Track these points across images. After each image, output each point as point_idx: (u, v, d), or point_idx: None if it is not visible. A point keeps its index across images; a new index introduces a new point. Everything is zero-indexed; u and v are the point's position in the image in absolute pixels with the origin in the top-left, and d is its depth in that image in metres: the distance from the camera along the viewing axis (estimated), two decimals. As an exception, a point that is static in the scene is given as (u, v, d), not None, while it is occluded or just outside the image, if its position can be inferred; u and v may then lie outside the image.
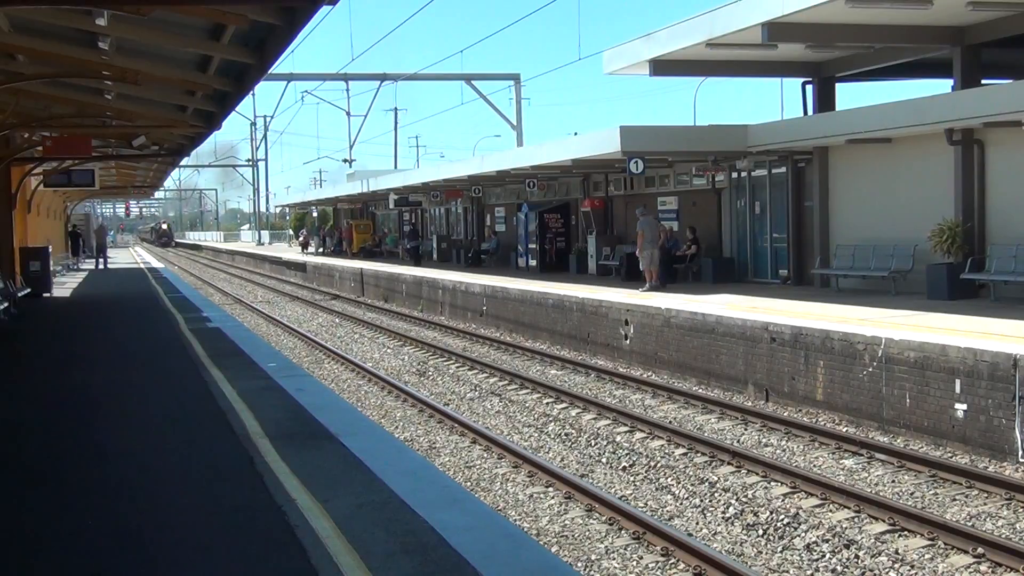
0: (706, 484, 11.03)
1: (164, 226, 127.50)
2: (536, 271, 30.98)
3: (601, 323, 20.26)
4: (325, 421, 9.11)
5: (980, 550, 8.50)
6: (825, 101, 23.36)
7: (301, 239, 63.02)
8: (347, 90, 67.11)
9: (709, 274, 23.82)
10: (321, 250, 57.43)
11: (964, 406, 11.86)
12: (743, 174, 23.77)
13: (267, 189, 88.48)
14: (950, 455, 11.77)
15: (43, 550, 5.87)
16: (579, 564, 8.67)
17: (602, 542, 9.17)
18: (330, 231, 58.88)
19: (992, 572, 8.29)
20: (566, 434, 13.80)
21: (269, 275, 55.96)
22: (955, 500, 10.14)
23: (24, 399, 11.14)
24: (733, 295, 20.00)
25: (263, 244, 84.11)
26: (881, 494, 10.32)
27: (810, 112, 23.46)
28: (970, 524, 9.36)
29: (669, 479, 11.37)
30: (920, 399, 12.51)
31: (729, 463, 11.62)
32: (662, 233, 22.61)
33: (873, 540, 9.04)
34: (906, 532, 9.13)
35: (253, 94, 65.64)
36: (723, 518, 9.98)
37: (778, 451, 12.38)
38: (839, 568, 8.53)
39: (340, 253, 52.18)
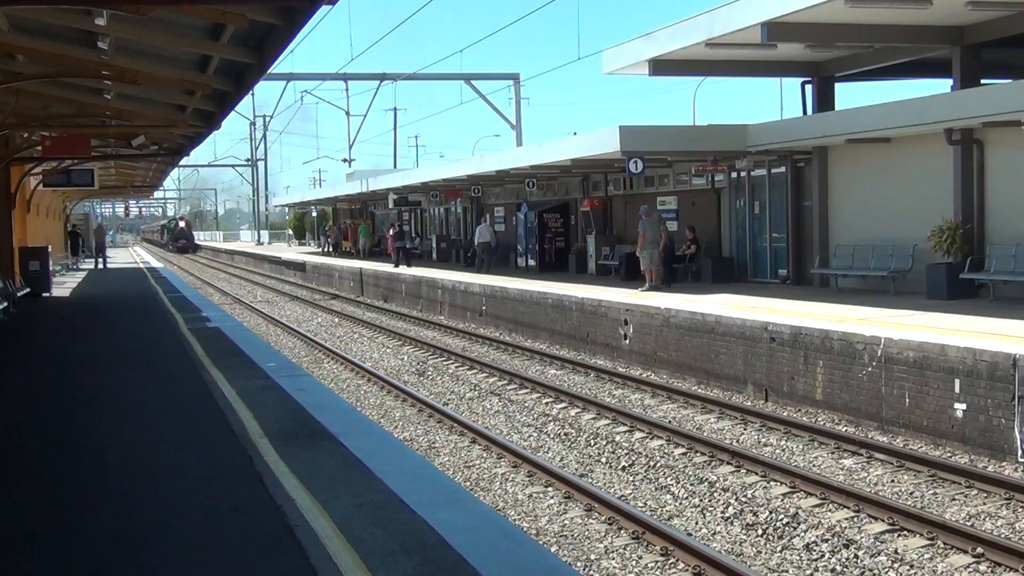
0: (705, 484, 11.03)
1: (182, 224, 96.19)
2: (535, 271, 30.99)
3: (600, 323, 20.26)
4: (325, 421, 9.11)
5: (979, 550, 8.50)
6: (824, 101, 23.36)
7: (331, 239, 55.95)
8: (346, 90, 67.19)
9: (708, 274, 23.82)
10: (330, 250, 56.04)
11: (963, 406, 11.86)
12: (742, 174, 23.77)
13: (267, 188, 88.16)
14: (949, 455, 11.77)
15: (42, 550, 5.86)
16: (579, 564, 8.67)
17: (601, 542, 9.17)
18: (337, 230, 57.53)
19: (991, 572, 8.29)
20: (565, 434, 13.80)
21: (268, 275, 55.93)
22: (954, 500, 10.14)
23: (23, 399, 11.14)
24: (732, 295, 20.01)
25: (263, 244, 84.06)
26: (880, 494, 10.32)
27: (809, 112, 23.46)
28: (969, 524, 9.36)
29: (668, 479, 11.37)
30: (919, 399, 12.52)
31: (728, 463, 11.62)
32: (664, 234, 22.65)
33: (872, 540, 9.04)
34: (905, 532, 9.13)
35: (252, 94, 65.63)
36: (722, 518, 9.98)
37: (777, 451, 12.38)
38: (838, 568, 8.53)
39: (346, 254, 51.66)
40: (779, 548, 9.10)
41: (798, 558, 8.83)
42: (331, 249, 54.59)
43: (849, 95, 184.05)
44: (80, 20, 12.13)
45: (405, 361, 21.00)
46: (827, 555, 8.81)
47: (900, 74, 24.17)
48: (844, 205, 21.18)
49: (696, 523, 9.91)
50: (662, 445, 12.76)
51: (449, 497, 6.87)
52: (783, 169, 22.72)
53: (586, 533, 9.44)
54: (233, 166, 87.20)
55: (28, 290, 24.79)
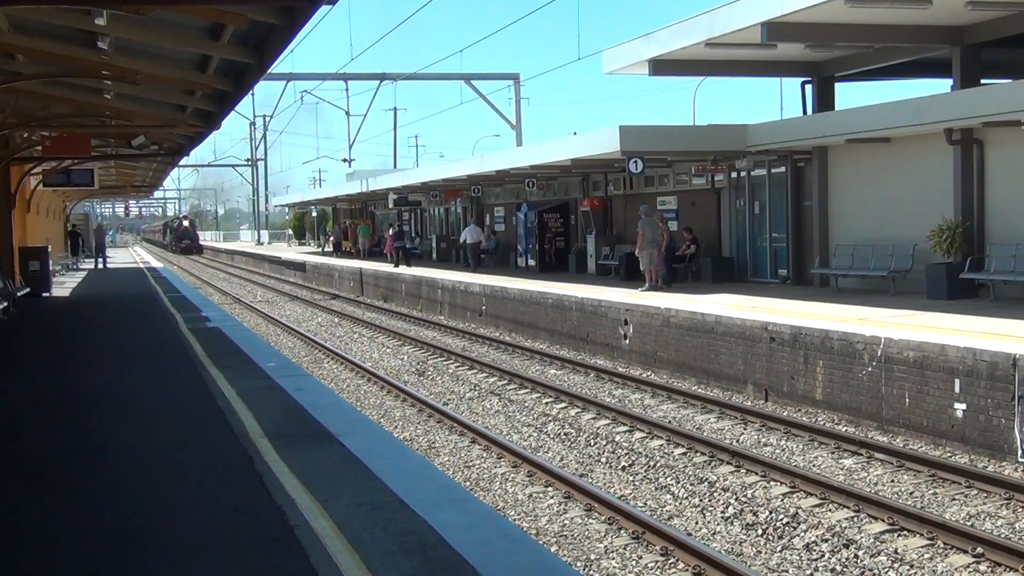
0: (705, 484, 11.03)
1: (186, 223, 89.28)
2: (535, 271, 30.99)
3: (600, 323, 20.26)
4: (324, 421, 9.11)
5: (979, 550, 8.50)
6: (824, 101, 23.37)
7: (333, 239, 54.64)
8: (347, 90, 67.18)
9: (708, 274, 23.83)
10: (330, 250, 55.66)
11: (963, 406, 11.86)
12: (742, 174, 23.77)
13: (267, 188, 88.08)
14: (949, 455, 11.77)
15: (41, 549, 5.86)
16: (578, 564, 8.67)
17: (601, 542, 9.17)
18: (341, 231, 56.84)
19: (991, 572, 8.29)
20: (565, 434, 13.80)
21: (268, 275, 55.93)
22: (954, 500, 10.14)
23: (23, 399, 11.14)
24: (732, 295, 20.01)
25: (263, 244, 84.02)
26: (880, 494, 10.32)
27: (809, 112, 23.47)
28: (969, 524, 9.36)
29: (668, 479, 11.37)
30: (919, 399, 12.52)
31: (728, 463, 11.62)
32: (665, 234, 22.67)
33: (872, 540, 9.04)
34: (905, 532, 9.13)
35: (253, 94, 65.63)
36: (722, 518, 9.98)
37: (777, 451, 12.38)
38: (838, 568, 8.53)
39: (347, 254, 51.48)
40: (779, 548, 9.09)
41: (798, 558, 8.83)
42: (332, 249, 54.37)
43: (849, 95, 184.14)
44: (80, 20, 12.13)
45: (405, 361, 20.99)
46: (827, 555, 8.81)
47: (900, 74, 24.18)
48: (844, 205, 21.18)
49: (696, 523, 9.91)
50: (662, 445, 12.76)
51: (449, 497, 6.87)
52: (783, 169, 22.72)
53: (586, 533, 9.44)
54: (233, 166, 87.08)
55: (28, 290, 24.79)
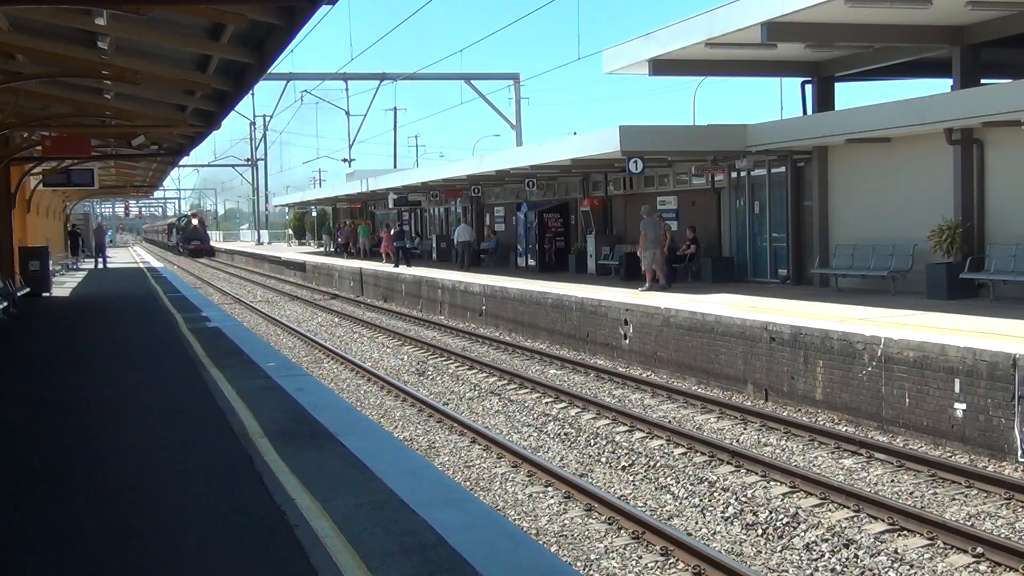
0: (705, 483, 11.03)
1: (195, 221, 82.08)
2: (535, 271, 30.99)
3: (600, 323, 20.26)
4: (324, 421, 9.11)
5: (979, 550, 8.51)
6: (824, 101, 23.36)
7: (340, 239, 52.99)
8: (347, 89, 67.18)
9: (708, 274, 23.83)
10: (333, 250, 55.23)
11: (963, 406, 11.86)
12: (742, 174, 23.77)
13: (267, 188, 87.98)
14: (949, 455, 11.77)
15: (42, 550, 5.86)
16: (578, 564, 8.67)
17: (601, 541, 9.17)
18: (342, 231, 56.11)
19: (991, 572, 8.29)
20: (565, 433, 13.80)
21: (268, 275, 55.93)
22: (954, 500, 10.14)
23: (23, 399, 11.14)
24: (732, 295, 20.01)
25: (263, 244, 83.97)
26: (880, 494, 10.33)
27: (809, 112, 23.46)
28: (969, 524, 9.36)
29: (668, 478, 11.37)
30: (919, 399, 12.52)
31: (728, 462, 11.63)
32: (668, 234, 22.66)
33: (872, 540, 9.04)
34: (905, 532, 9.13)
35: (252, 94, 65.62)
36: (722, 517, 9.98)
37: (777, 450, 12.38)
38: (838, 567, 8.53)
39: (350, 254, 51.28)
40: (779, 548, 9.10)
41: (798, 558, 8.83)
42: (338, 249, 53.81)
43: (849, 95, 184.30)
44: (80, 20, 12.13)
45: (405, 361, 20.99)
46: (827, 555, 8.81)
47: (900, 74, 24.16)
48: (844, 205, 21.18)
49: (696, 523, 9.91)
50: (662, 445, 12.76)
51: (449, 497, 6.87)
52: (783, 169, 22.72)
53: (586, 533, 9.44)
54: (233, 166, 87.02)
55: (28, 290, 24.79)
